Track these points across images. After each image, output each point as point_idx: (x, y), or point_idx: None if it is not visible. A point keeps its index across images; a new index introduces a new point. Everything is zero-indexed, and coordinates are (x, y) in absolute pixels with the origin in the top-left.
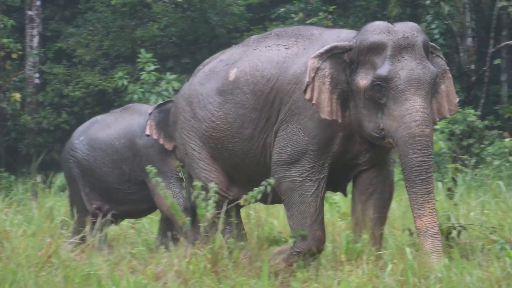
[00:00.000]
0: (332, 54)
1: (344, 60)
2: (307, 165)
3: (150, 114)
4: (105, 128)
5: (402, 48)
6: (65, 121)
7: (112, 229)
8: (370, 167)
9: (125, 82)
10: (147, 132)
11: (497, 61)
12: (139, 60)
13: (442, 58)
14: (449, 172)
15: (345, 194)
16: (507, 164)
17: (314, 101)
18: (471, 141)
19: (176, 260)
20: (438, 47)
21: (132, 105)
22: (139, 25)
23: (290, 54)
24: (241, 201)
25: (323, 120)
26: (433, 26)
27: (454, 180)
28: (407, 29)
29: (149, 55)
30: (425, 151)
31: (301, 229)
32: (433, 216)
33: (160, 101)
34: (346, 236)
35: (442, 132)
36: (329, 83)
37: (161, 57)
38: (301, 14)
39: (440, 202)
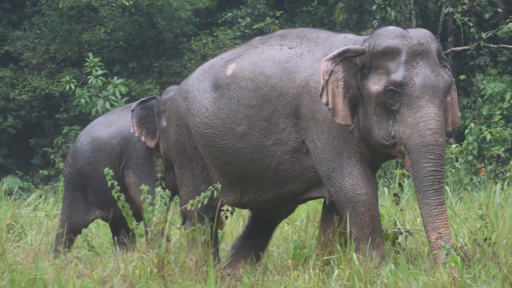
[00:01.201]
0: (345, 57)
1: (355, 64)
2: (348, 168)
3: (133, 111)
4: (106, 127)
5: (417, 54)
6: (11, 125)
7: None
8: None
9: (72, 86)
10: (131, 130)
11: None
12: (86, 64)
13: (448, 69)
14: (395, 178)
15: None
16: (453, 170)
17: (330, 105)
18: None
19: (122, 264)
20: (446, 58)
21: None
22: (86, 29)
23: (293, 54)
24: (188, 206)
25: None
26: None
27: (400, 185)
28: (422, 35)
29: (96, 59)
30: (439, 160)
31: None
32: (447, 228)
33: (111, 105)
34: (293, 241)
35: None
36: (342, 86)
37: (107, 61)
38: (248, 19)
39: (387, 207)
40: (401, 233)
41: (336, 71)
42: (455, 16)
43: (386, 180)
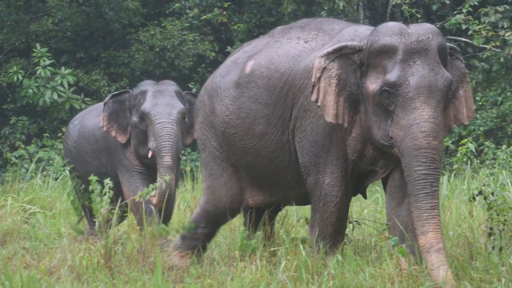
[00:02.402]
0: (341, 54)
1: (354, 61)
2: (332, 167)
3: (105, 104)
4: (95, 117)
5: (415, 52)
6: None
7: (5, 224)
8: (389, 173)
9: (20, 77)
10: (101, 124)
11: None
12: (34, 54)
13: (462, 61)
14: None
15: (364, 197)
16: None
17: (319, 103)
18: None
19: (69, 255)
20: (458, 49)
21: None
22: (33, 19)
23: (307, 48)
24: (136, 198)
25: None
26: None
27: None
28: (422, 31)
29: (44, 49)
30: (431, 164)
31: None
32: (437, 232)
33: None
34: (240, 233)
35: None
36: (335, 84)
37: (55, 51)
38: (196, 10)
39: None
40: (350, 222)
41: (329, 68)
42: (402, 8)
43: None
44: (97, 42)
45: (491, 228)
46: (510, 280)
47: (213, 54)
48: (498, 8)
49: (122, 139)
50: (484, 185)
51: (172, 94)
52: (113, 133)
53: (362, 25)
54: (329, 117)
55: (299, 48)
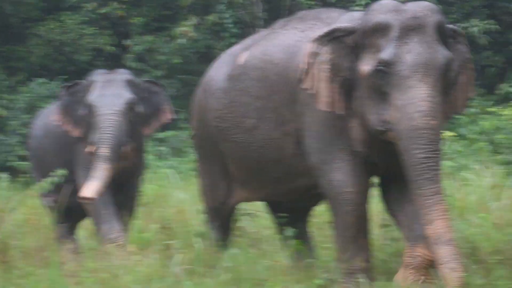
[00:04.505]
0: (334, 37)
1: (347, 44)
2: (339, 162)
3: (59, 97)
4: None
5: (411, 29)
6: None
7: None
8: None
9: None
10: (54, 118)
11: None
12: None
13: (465, 45)
14: None
15: None
16: None
17: (312, 90)
18: None
19: None
20: (462, 32)
21: None
22: None
23: (303, 38)
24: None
25: None
26: (226, 15)
27: None
28: (419, 8)
29: None
30: (430, 146)
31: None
32: (445, 219)
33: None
34: (135, 226)
35: None
36: (328, 70)
37: None
38: (94, 4)
39: None
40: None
41: (321, 53)
42: (300, 0)
43: None
44: None
45: (385, 220)
46: None
47: (111, 48)
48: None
49: (76, 133)
50: None
51: (121, 84)
52: (67, 127)
53: (358, 12)
54: (322, 105)
55: (295, 38)
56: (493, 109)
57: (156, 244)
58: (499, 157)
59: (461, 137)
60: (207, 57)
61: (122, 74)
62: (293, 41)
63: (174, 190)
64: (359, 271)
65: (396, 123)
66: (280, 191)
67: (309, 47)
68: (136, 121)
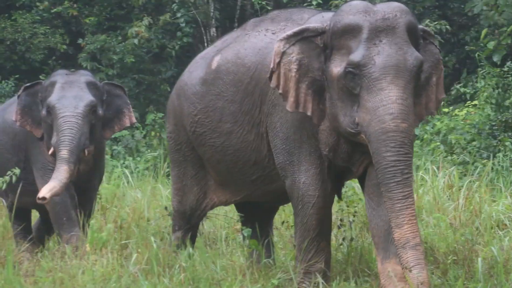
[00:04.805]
0: (302, 37)
1: (317, 45)
2: (306, 164)
3: (18, 97)
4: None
5: (381, 30)
6: None
7: None
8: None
9: None
10: (13, 118)
11: None
12: None
13: (436, 46)
14: None
15: (339, 197)
16: None
17: (280, 90)
18: None
19: None
20: (432, 33)
21: None
22: None
23: (274, 40)
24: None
25: None
26: (178, 15)
27: None
28: (389, 9)
29: None
30: (400, 149)
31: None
32: (413, 224)
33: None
34: (91, 226)
35: None
36: (295, 70)
37: None
38: (46, 3)
39: None
40: None
41: (289, 52)
42: (253, 0)
43: None
44: None
45: (341, 220)
46: (360, 269)
47: (64, 47)
48: None
49: (37, 133)
50: None
51: (82, 86)
52: (28, 128)
53: (329, 12)
54: (289, 105)
55: (266, 40)
56: (446, 110)
57: (113, 244)
58: (454, 157)
59: (416, 137)
60: (160, 56)
61: (83, 76)
62: (264, 43)
63: (129, 189)
64: (317, 272)
65: (366, 125)
66: (258, 193)
67: (277, 46)
68: (97, 123)
